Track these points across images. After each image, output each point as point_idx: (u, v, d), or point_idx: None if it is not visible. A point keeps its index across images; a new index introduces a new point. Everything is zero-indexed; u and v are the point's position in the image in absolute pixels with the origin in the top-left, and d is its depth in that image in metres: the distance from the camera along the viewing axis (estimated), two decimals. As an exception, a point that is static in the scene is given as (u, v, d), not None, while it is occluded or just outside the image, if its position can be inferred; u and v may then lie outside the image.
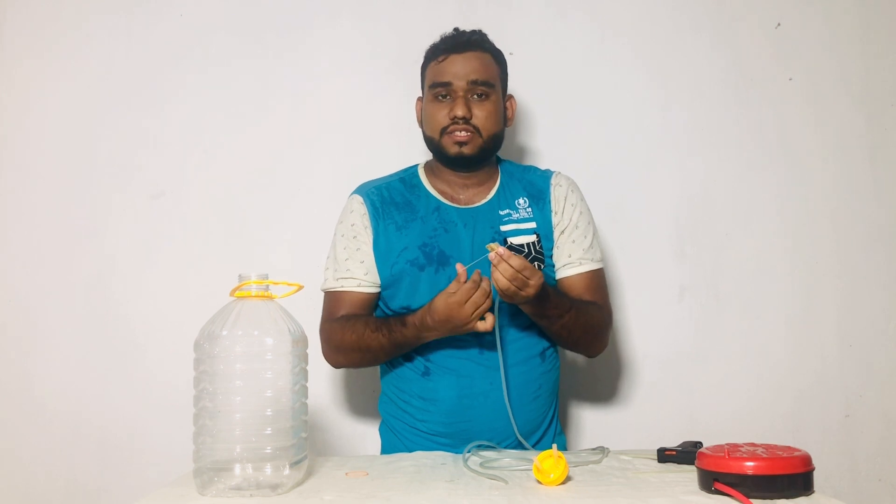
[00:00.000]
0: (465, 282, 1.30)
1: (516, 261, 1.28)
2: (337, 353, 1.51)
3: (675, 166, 1.96)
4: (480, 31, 1.57)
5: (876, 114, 1.98)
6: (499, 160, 1.62)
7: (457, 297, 1.31)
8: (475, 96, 1.49)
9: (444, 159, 1.53)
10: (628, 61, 1.98)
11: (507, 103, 1.59)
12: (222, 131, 1.95)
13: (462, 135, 1.48)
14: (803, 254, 1.95)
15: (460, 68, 1.48)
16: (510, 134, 1.95)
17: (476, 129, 1.48)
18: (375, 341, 1.44)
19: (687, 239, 1.95)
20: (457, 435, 1.44)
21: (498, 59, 1.57)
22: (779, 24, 1.99)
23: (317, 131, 1.95)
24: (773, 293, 1.94)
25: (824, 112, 1.98)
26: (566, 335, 1.48)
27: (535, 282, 1.31)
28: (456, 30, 1.56)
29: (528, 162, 1.93)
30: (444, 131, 1.49)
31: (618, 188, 1.95)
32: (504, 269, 1.28)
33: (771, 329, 1.93)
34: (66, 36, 1.97)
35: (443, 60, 1.50)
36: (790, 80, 1.98)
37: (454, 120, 1.48)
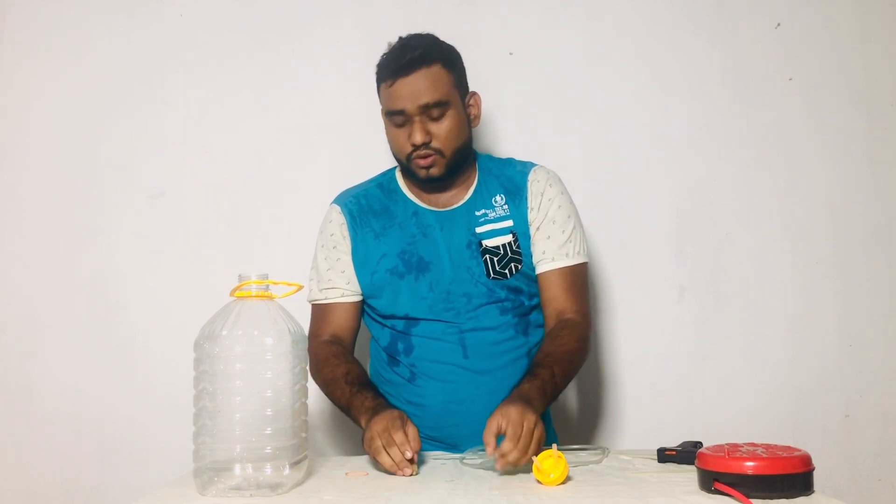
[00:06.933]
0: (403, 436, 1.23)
1: (507, 445, 1.19)
2: (315, 376, 1.48)
3: (675, 166, 1.96)
4: (426, 37, 1.47)
5: (876, 114, 1.98)
6: (477, 155, 1.58)
7: (376, 442, 1.24)
8: (430, 118, 1.43)
9: (416, 181, 1.51)
10: (628, 61, 1.98)
11: (472, 101, 1.51)
12: (222, 131, 1.95)
13: (426, 160, 1.44)
14: (803, 254, 1.95)
15: (409, 93, 1.40)
16: (510, 133, 1.95)
17: (438, 151, 1.44)
18: (340, 397, 1.42)
19: (687, 239, 1.95)
20: (446, 439, 1.45)
21: (449, 63, 1.45)
22: (779, 24, 1.99)
23: (316, 131, 1.95)
24: (773, 293, 1.94)
25: (824, 112, 1.98)
26: (569, 381, 1.44)
27: (527, 423, 1.21)
28: (401, 39, 1.47)
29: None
30: (409, 157, 1.46)
31: (618, 187, 1.95)
32: (509, 454, 1.18)
33: (771, 329, 1.93)
34: (66, 36, 1.97)
35: (391, 85, 1.42)
36: (790, 80, 1.98)
37: (415, 147, 1.44)
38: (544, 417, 1.56)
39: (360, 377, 1.44)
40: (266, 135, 1.96)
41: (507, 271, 1.47)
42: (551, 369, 1.36)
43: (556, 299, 1.47)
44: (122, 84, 1.96)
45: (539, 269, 1.49)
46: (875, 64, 1.99)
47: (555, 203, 1.50)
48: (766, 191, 1.96)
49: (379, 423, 1.26)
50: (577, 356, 1.45)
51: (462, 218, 1.50)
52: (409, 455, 1.21)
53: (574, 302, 1.47)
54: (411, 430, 1.25)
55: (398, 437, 1.23)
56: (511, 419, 1.21)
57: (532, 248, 1.49)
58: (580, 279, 1.51)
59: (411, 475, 1.21)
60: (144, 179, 1.94)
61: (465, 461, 1.30)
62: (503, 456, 1.18)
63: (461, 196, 1.53)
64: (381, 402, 1.35)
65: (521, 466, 1.20)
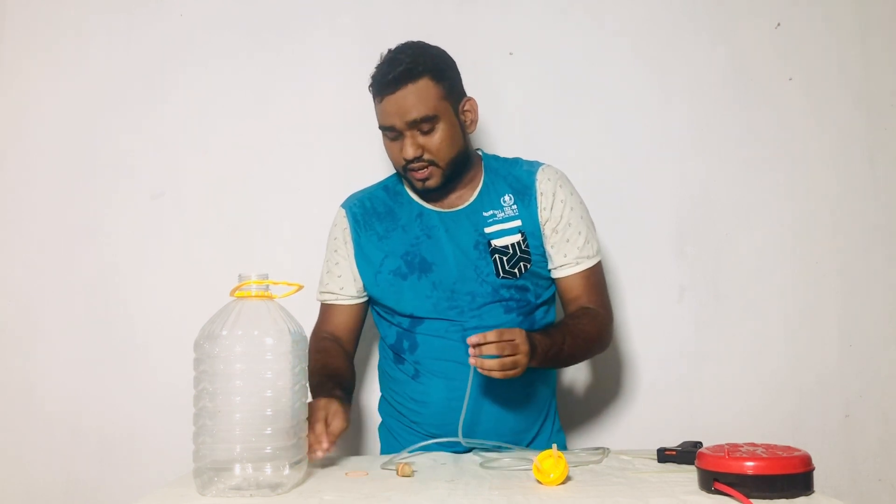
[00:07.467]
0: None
1: (491, 335, 1.25)
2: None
3: (675, 166, 1.96)
4: (414, 48, 1.45)
5: (876, 114, 1.98)
6: (482, 156, 1.59)
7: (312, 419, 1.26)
8: (421, 132, 1.42)
9: (416, 192, 1.53)
10: (628, 61, 1.98)
11: (467, 107, 1.49)
12: (222, 131, 1.95)
13: (421, 173, 1.45)
14: (803, 254, 1.95)
15: (397, 110, 1.40)
16: (510, 133, 1.95)
17: (432, 162, 1.44)
18: (311, 386, 1.42)
19: (687, 239, 1.95)
20: (450, 435, 1.44)
21: (437, 75, 1.43)
22: (779, 24, 1.99)
23: (317, 131, 1.95)
24: (773, 293, 1.94)
25: (824, 112, 1.98)
26: (577, 359, 1.50)
27: (519, 338, 1.27)
28: (389, 52, 1.46)
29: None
30: (405, 169, 1.46)
31: (618, 188, 1.95)
32: (488, 350, 1.24)
33: (771, 329, 1.93)
34: (66, 36, 1.97)
35: (381, 102, 1.43)
36: (790, 80, 1.98)
37: (408, 160, 1.44)
38: (552, 421, 1.56)
39: (333, 370, 1.45)
40: (266, 135, 1.96)
41: (516, 270, 1.48)
42: (564, 336, 1.40)
43: (580, 298, 1.51)
44: (122, 84, 1.96)
45: (561, 274, 1.51)
46: (875, 64, 1.99)
47: (567, 205, 1.52)
48: (766, 191, 1.96)
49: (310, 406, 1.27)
50: (594, 341, 1.49)
51: (468, 218, 1.51)
52: (322, 448, 1.22)
53: (597, 296, 1.52)
54: (335, 424, 1.25)
55: (318, 427, 1.23)
56: (512, 330, 1.27)
57: (549, 251, 1.51)
58: (600, 277, 1.55)
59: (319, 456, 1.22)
60: (144, 179, 1.94)
61: (466, 441, 1.32)
62: (479, 342, 1.23)
63: (467, 197, 1.53)
64: (333, 396, 1.33)
65: (487, 365, 1.25)
